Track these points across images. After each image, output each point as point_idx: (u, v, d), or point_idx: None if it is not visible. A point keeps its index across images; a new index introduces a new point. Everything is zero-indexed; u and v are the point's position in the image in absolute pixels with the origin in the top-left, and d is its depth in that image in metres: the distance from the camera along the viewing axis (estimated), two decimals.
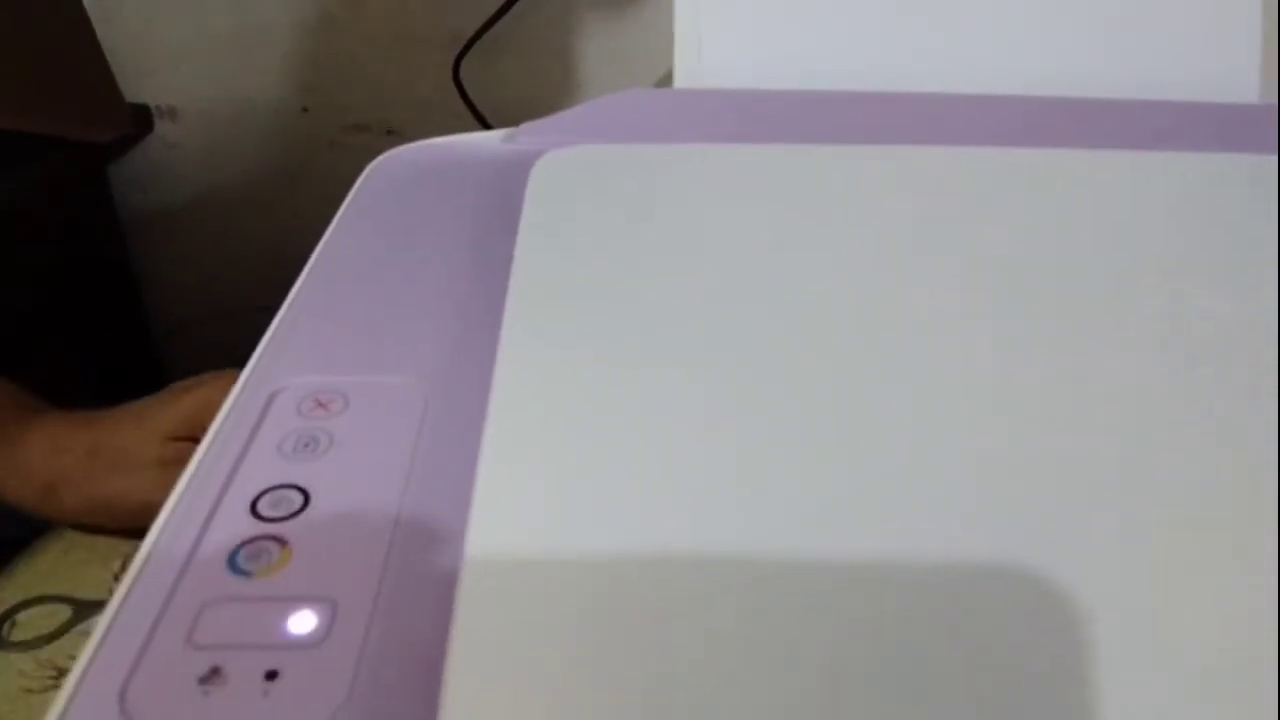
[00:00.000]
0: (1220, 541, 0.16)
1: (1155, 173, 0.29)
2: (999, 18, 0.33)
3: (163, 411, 0.31)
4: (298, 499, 0.17)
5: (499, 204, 0.26)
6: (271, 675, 0.14)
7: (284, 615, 0.15)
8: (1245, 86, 0.33)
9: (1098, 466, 0.17)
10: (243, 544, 0.16)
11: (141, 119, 0.53)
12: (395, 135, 0.52)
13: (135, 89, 0.52)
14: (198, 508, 0.17)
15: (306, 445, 0.18)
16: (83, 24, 0.43)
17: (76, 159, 0.50)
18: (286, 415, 0.19)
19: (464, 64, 0.49)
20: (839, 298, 0.22)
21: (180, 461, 0.18)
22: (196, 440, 0.18)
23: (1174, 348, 0.20)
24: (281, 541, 0.16)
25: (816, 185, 0.28)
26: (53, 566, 0.31)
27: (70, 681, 0.13)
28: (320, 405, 0.19)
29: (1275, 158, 0.29)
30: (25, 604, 0.30)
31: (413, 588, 0.15)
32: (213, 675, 0.14)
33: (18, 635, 0.29)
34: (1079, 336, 0.20)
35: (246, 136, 0.54)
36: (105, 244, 0.55)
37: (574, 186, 0.27)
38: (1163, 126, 0.31)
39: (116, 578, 0.28)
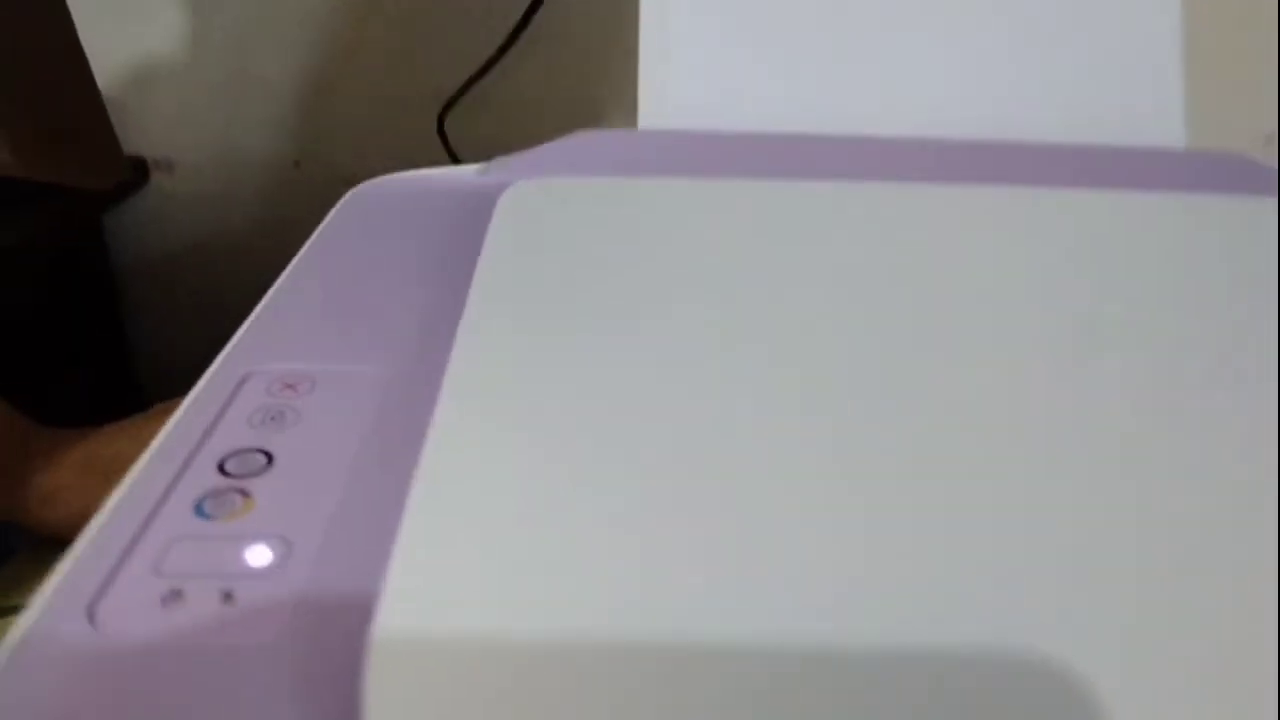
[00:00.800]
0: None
1: (1095, 209, 0.31)
2: (945, 68, 0.36)
3: (151, 424, 0.32)
4: (262, 460, 0.18)
5: (468, 226, 0.28)
6: (227, 596, 0.15)
7: (241, 550, 0.16)
8: (1172, 131, 0.36)
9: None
10: (208, 494, 0.17)
11: (138, 170, 0.56)
12: None
13: (132, 141, 0.54)
14: (168, 465, 0.18)
15: (273, 419, 0.20)
16: (85, 74, 0.45)
17: (74, 206, 0.52)
18: (256, 394, 0.20)
19: (448, 119, 0.52)
20: (794, 333, 0.22)
21: None
22: None
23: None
24: (245, 493, 0.17)
25: (769, 218, 0.30)
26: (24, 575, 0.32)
27: (41, 595, 0.15)
28: (289, 387, 0.21)
29: (1203, 196, 0.31)
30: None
31: (360, 534, 0.16)
32: (174, 597, 0.15)
33: None
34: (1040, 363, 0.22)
35: (239, 190, 0.57)
36: (98, 291, 0.57)
37: (538, 213, 0.29)
38: (1090, 168, 0.33)
39: None
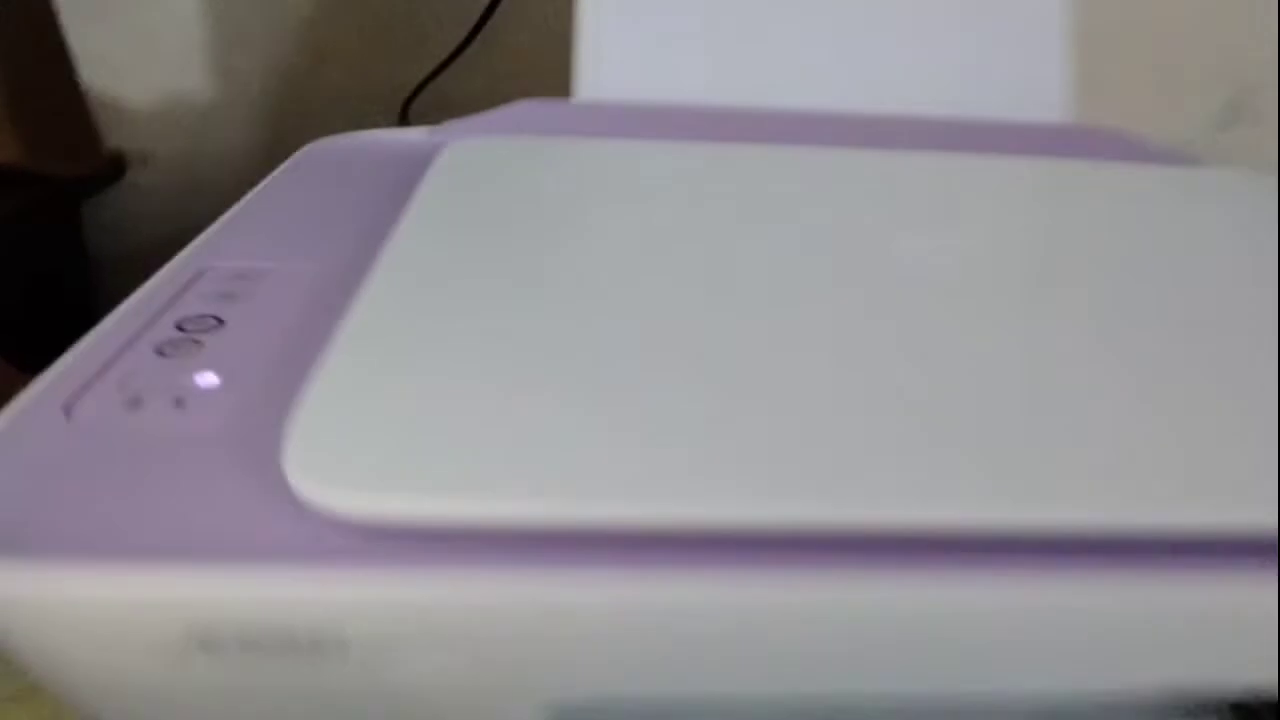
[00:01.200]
0: None
1: (976, 170, 0.35)
2: (847, 49, 0.39)
3: None
4: (214, 322, 0.21)
5: (410, 175, 0.32)
6: (179, 403, 0.18)
7: (193, 375, 0.19)
8: (1053, 104, 0.40)
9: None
10: (167, 342, 0.20)
11: (115, 163, 0.59)
12: None
13: (111, 134, 0.57)
14: (131, 324, 0.21)
15: (226, 297, 0.23)
16: (65, 62, 0.48)
17: (50, 195, 0.55)
18: (211, 282, 0.24)
19: (411, 110, 0.55)
20: (705, 269, 0.24)
21: None
22: None
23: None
24: (198, 342, 0.20)
25: (686, 171, 0.33)
26: None
27: (17, 402, 0.18)
28: (243, 277, 0.24)
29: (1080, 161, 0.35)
30: None
31: (295, 370, 0.19)
32: (135, 402, 0.18)
33: None
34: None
35: (215, 182, 0.60)
36: (74, 281, 0.60)
37: (472, 163, 0.32)
38: (974, 138, 0.37)
39: None
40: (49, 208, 0.56)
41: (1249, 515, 0.15)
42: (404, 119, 0.55)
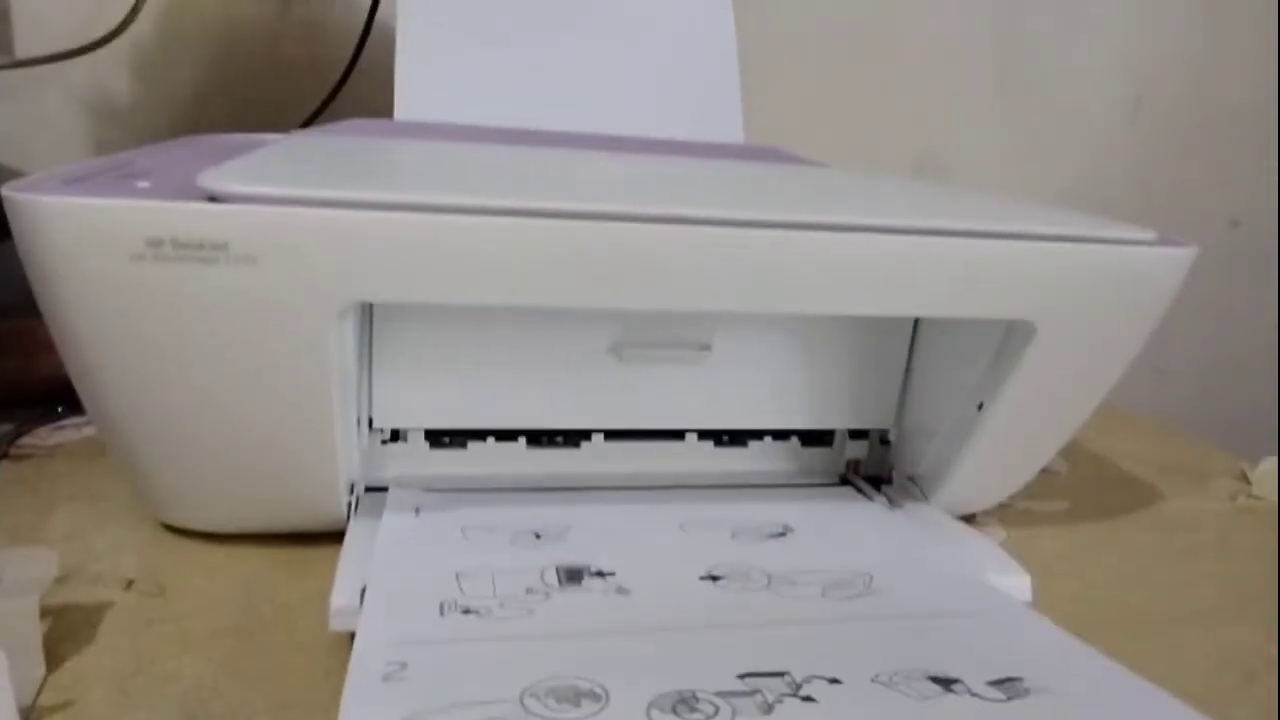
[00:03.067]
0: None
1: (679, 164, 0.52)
2: (583, 86, 0.57)
3: None
4: (146, 175, 0.35)
5: None
6: (136, 185, 0.31)
7: (136, 180, 0.32)
8: (733, 130, 0.58)
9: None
10: (117, 175, 0.34)
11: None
12: None
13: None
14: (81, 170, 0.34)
15: (148, 172, 0.36)
16: None
17: None
18: (135, 167, 0.37)
19: None
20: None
21: None
22: None
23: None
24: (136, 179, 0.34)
25: (487, 155, 0.49)
26: None
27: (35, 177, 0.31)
28: (155, 168, 0.37)
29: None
30: None
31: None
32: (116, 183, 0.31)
33: None
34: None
35: None
36: None
37: (312, 137, 0.47)
38: (676, 149, 0.55)
39: None
40: None
41: None
42: None
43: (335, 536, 0.37)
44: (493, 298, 0.31)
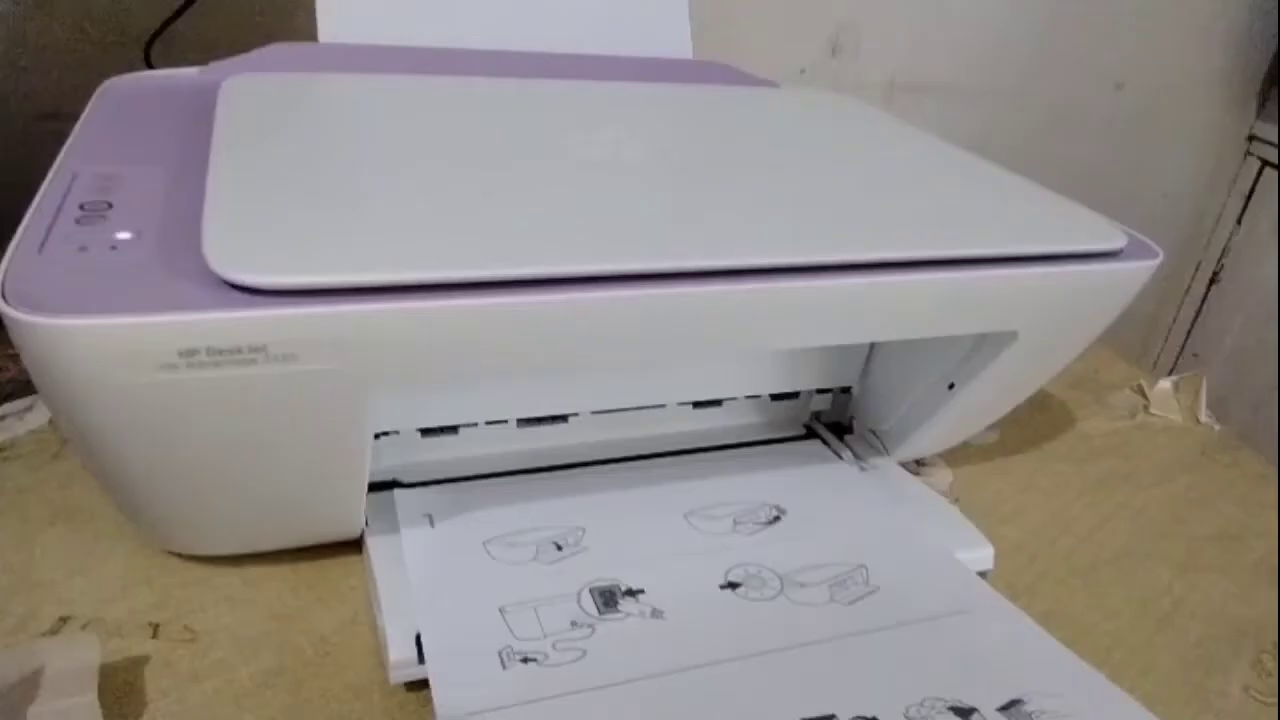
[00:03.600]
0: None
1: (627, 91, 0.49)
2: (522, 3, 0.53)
3: None
4: (107, 206, 0.31)
5: (201, 104, 0.41)
6: (114, 247, 0.28)
7: (113, 231, 0.29)
8: (681, 46, 0.56)
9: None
10: (81, 216, 0.30)
11: None
12: None
13: None
14: (43, 220, 0.30)
15: (105, 189, 0.32)
16: None
17: None
18: (88, 180, 0.33)
19: (153, 55, 0.62)
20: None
21: None
22: None
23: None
24: (104, 217, 0.30)
25: (430, 91, 0.45)
26: None
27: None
28: (108, 177, 0.33)
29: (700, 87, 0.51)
30: None
31: (183, 223, 0.30)
32: (84, 249, 0.28)
33: None
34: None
35: None
36: None
37: (255, 93, 0.43)
38: (621, 68, 0.52)
39: None
40: None
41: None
42: (149, 62, 0.62)
43: (345, 545, 0.37)
44: (512, 364, 0.31)
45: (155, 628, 0.34)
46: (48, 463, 0.41)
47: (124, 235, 0.29)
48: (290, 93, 0.43)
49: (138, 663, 0.32)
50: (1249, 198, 1.06)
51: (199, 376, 0.26)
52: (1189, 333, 1.11)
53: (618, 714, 0.29)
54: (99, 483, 0.33)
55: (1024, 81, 0.94)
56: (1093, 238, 0.38)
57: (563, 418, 0.43)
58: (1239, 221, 1.07)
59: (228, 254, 0.27)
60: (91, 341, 0.25)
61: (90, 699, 0.29)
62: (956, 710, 0.30)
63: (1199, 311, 1.11)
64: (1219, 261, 1.09)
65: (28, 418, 0.44)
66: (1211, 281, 1.10)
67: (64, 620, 0.34)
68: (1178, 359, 1.13)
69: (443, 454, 0.41)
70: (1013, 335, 0.38)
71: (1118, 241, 0.38)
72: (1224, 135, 1.06)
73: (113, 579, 0.36)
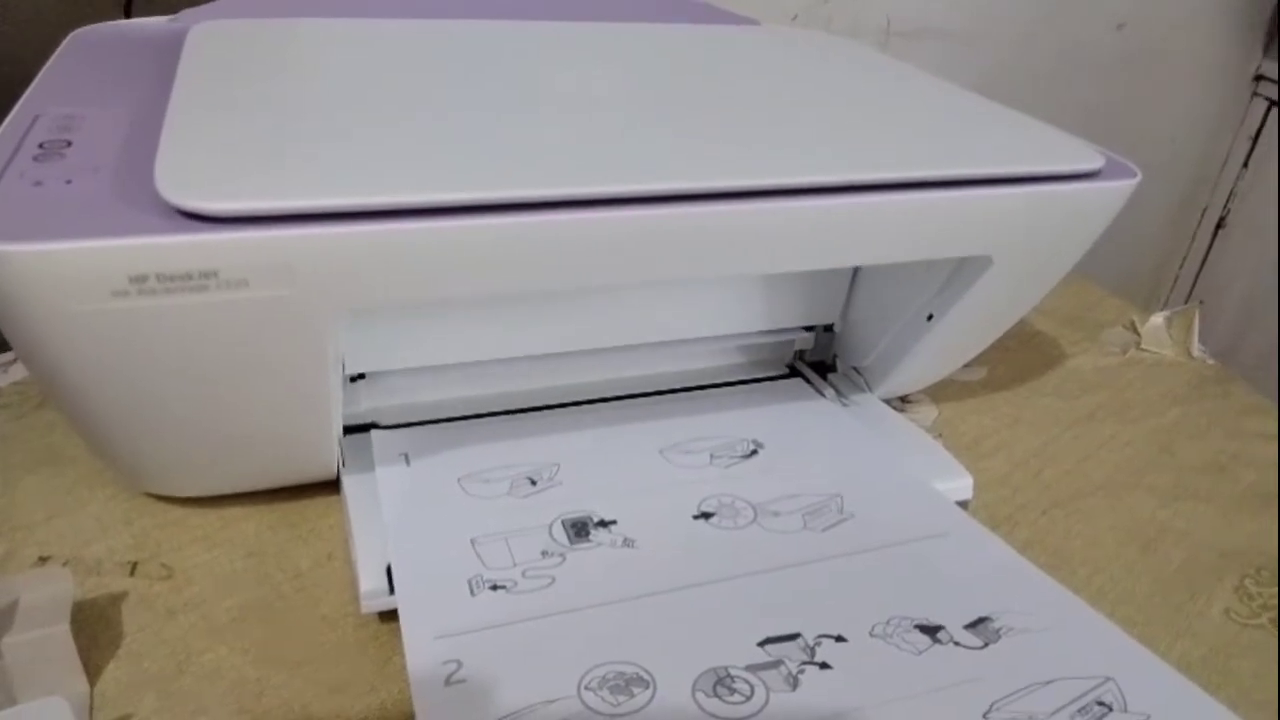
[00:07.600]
0: None
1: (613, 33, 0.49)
2: None
3: None
4: (66, 144, 0.31)
5: (169, 50, 0.41)
6: (69, 181, 0.28)
7: (69, 166, 0.29)
8: None
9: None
10: (39, 154, 0.30)
11: None
12: None
13: None
14: (4, 152, 0.30)
15: (65, 129, 0.32)
16: None
17: None
18: (50, 120, 0.33)
19: (136, 10, 0.61)
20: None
21: None
22: None
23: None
24: (62, 155, 0.30)
25: (403, 32, 0.45)
26: None
27: None
28: (70, 117, 0.33)
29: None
30: None
31: (138, 161, 0.30)
32: (38, 183, 0.28)
33: None
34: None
35: None
36: None
37: (219, 36, 0.42)
38: (607, 7, 0.52)
39: None
40: None
41: None
42: (128, 13, 0.61)
43: (323, 486, 0.38)
44: (475, 290, 0.30)
45: (133, 566, 0.34)
46: (31, 411, 0.41)
47: (81, 171, 0.29)
48: (258, 36, 0.42)
49: (115, 599, 0.33)
50: (1255, 139, 1.04)
51: (152, 304, 0.26)
52: (1196, 279, 1.10)
53: (583, 636, 0.29)
54: (71, 425, 0.34)
55: (1022, 25, 0.93)
56: (1069, 159, 0.37)
57: (543, 358, 0.43)
58: (1245, 164, 1.05)
59: (178, 181, 0.27)
60: (41, 267, 0.25)
61: (63, 629, 0.29)
62: (923, 628, 0.30)
63: (1205, 258, 1.09)
64: (1225, 205, 1.07)
65: (11, 370, 0.44)
66: (1219, 226, 1.08)
67: (43, 560, 0.34)
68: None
69: (419, 397, 0.42)
70: (987, 261, 0.37)
71: (1095, 162, 0.37)
72: (1229, 75, 1.04)
73: (91, 521, 0.36)
